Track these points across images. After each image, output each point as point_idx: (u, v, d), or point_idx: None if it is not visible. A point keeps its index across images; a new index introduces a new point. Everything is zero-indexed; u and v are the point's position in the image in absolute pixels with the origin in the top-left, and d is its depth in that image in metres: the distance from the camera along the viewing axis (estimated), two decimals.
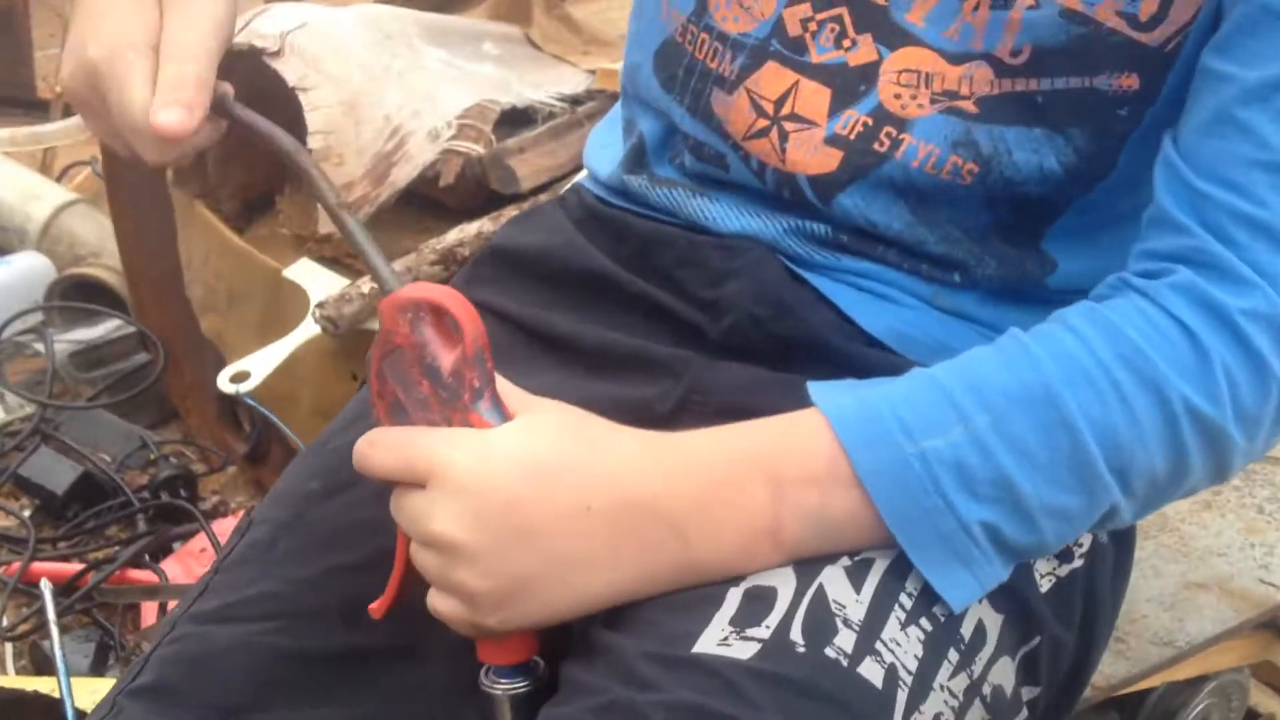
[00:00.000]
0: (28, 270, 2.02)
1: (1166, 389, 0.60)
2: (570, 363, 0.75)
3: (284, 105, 1.50)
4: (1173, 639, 1.00)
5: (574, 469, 0.60)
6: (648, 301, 0.75)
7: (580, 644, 0.64)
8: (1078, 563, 0.72)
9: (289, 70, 1.43)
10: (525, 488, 0.59)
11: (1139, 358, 0.60)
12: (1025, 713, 0.69)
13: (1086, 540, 0.73)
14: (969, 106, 0.67)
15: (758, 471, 0.61)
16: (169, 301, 1.75)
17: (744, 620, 0.60)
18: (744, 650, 0.58)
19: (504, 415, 0.61)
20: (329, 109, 1.43)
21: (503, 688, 0.64)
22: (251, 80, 1.54)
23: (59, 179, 2.36)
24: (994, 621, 0.66)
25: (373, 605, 0.66)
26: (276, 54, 1.44)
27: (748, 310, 0.72)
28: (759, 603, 0.60)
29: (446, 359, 0.60)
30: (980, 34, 0.66)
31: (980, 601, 0.64)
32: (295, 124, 1.44)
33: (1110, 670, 0.96)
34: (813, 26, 0.70)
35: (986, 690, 0.65)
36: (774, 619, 0.60)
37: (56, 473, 1.63)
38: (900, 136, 0.68)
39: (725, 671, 0.57)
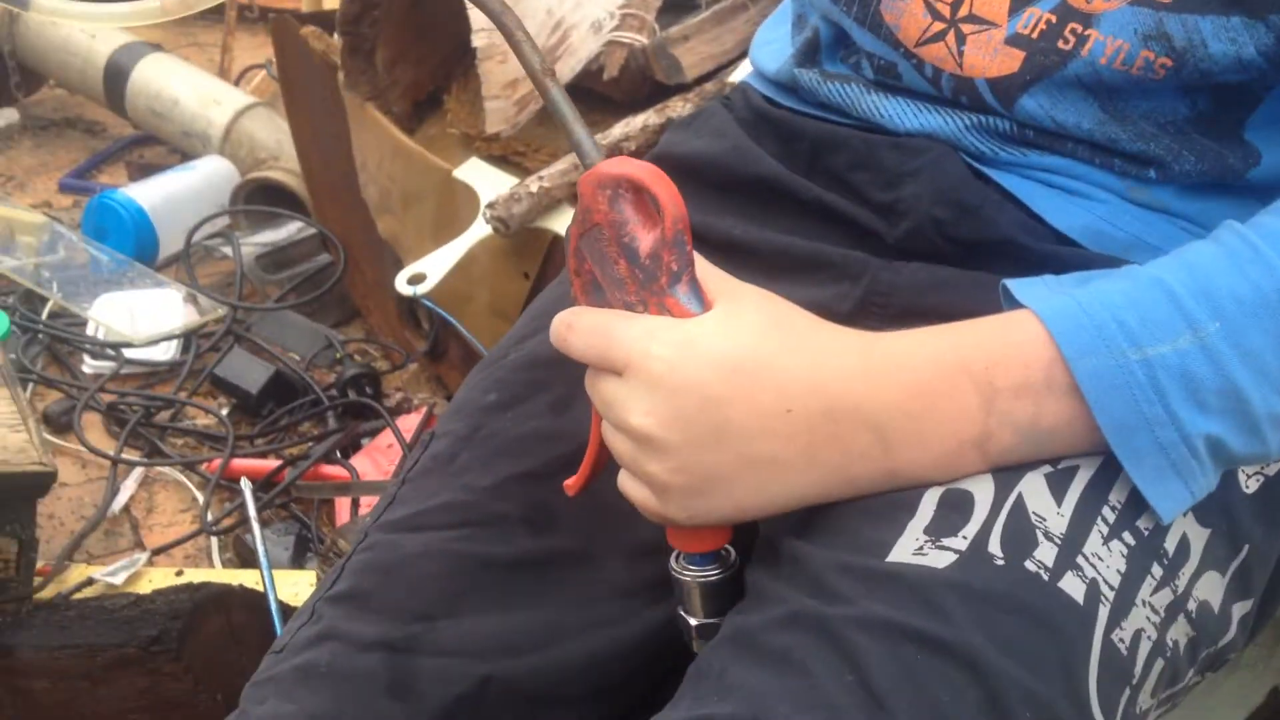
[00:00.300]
0: (212, 174, 2.08)
1: None
2: (745, 268, 0.73)
3: (449, 4, 1.50)
4: None
5: (775, 369, 0.58)
6: (821, 206, 0.73)
7: (767, 550, 0.64)
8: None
9: None
10: (724, 386, 0.57)
11: None
12: (1234, 630, 0.66)
13: None
14: None
15: (967, 378, 0.58)
16: (346, 204, 1.78)
17: (940, 529, 0.58)
18: (939, 560, 0.57)
19: (703, 302, 0.59)
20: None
21: (692, 574, 0.64)
22: None
23: (236, 82, 2.42)
24: (1199, 535, 0.63)
25: (567, 483, 0.67)
26: None
27: (927, 212, 0.69)
28: (955, 511, 0.59)
29: (645, 239, 0.59)
30: None
31: (1185, 514, 0.61)
32: (461, 23, 1.44)
33: None
34: None
35: (1191, 606, 0.63)
36: (971, 529, 0.58)
37: (250, 372, 1.70)
38: (1086, 33, 0.64)
39: (920, 583, 0.56)
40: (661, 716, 0.58)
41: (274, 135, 2.10)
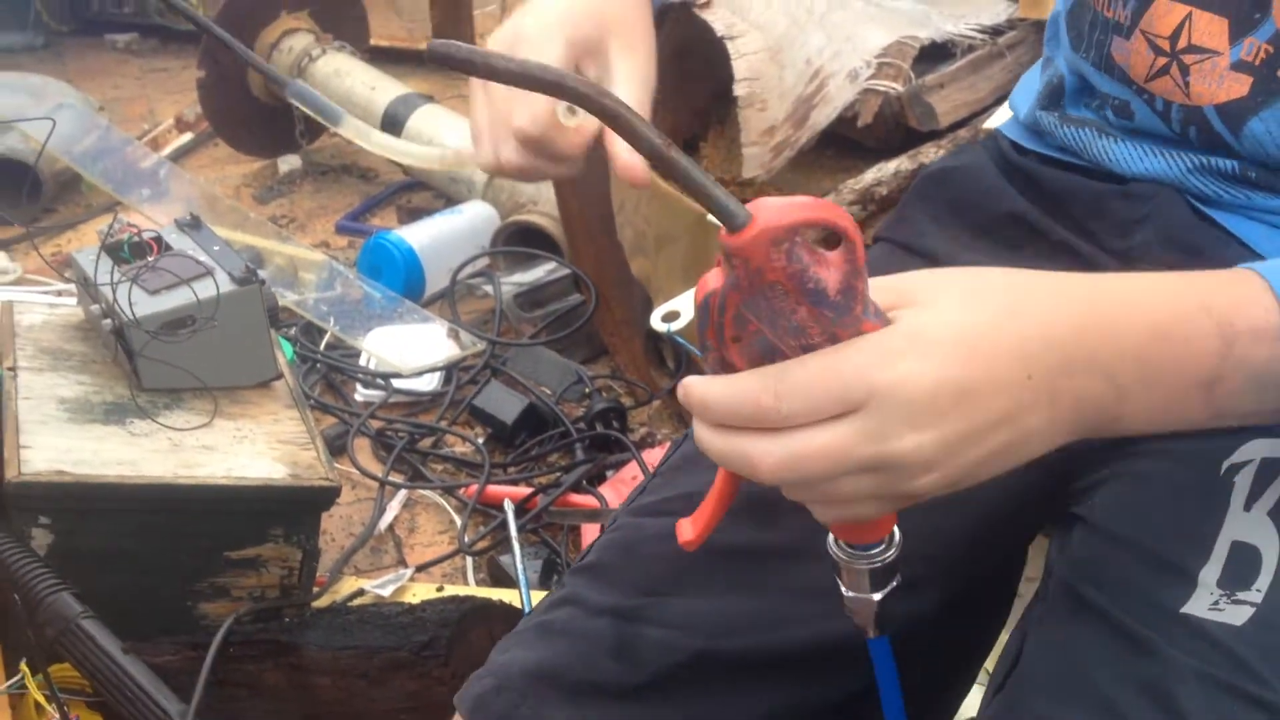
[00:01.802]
0: (475, 218, 2.21)
1: None
2: None
3: (707, 53, 1.56)
4: None
5: (1006, 334, 0.55)
6: (1068, 248, 0.75)
7: (1064, 596, 0.65)
8: None
9: (717, 20, 1.48)
10: (967, 370, 0.54)
11: None
12: None
13: None
14: None
15: (1208, 317, 0.56)
16: (601, 245, 1.86)
17: (1232, 582, 0.60)
18: (1237, 616, 0.59)
19: (881, 313, 0.55)
20: (754, 55, 1.47)
21: (866, 560, 0.61)
22: (678, 31, 1.61)
23: None
24: None
25: (685, 539, 0.63)
26: (705, 5, 1.50)
27: (1158, 256, 0.71)
28: (1245, 563, 0.60)
29: (830, 276, 0.53)
30: None
31: None
32: (720, 71, 1.50)
33: None
34: None
35: None
36: (1264, 581, 0.60)
37: (506, 404, 1.80)
38: None
39: (1223, 640, 0.58)
40: None
41: (535, 182, 2.21)
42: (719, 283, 0.55)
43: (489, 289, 2.05)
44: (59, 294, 2.04)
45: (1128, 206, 0.74)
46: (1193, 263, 0.68)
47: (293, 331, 1.98)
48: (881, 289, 0.56)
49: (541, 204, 2.14)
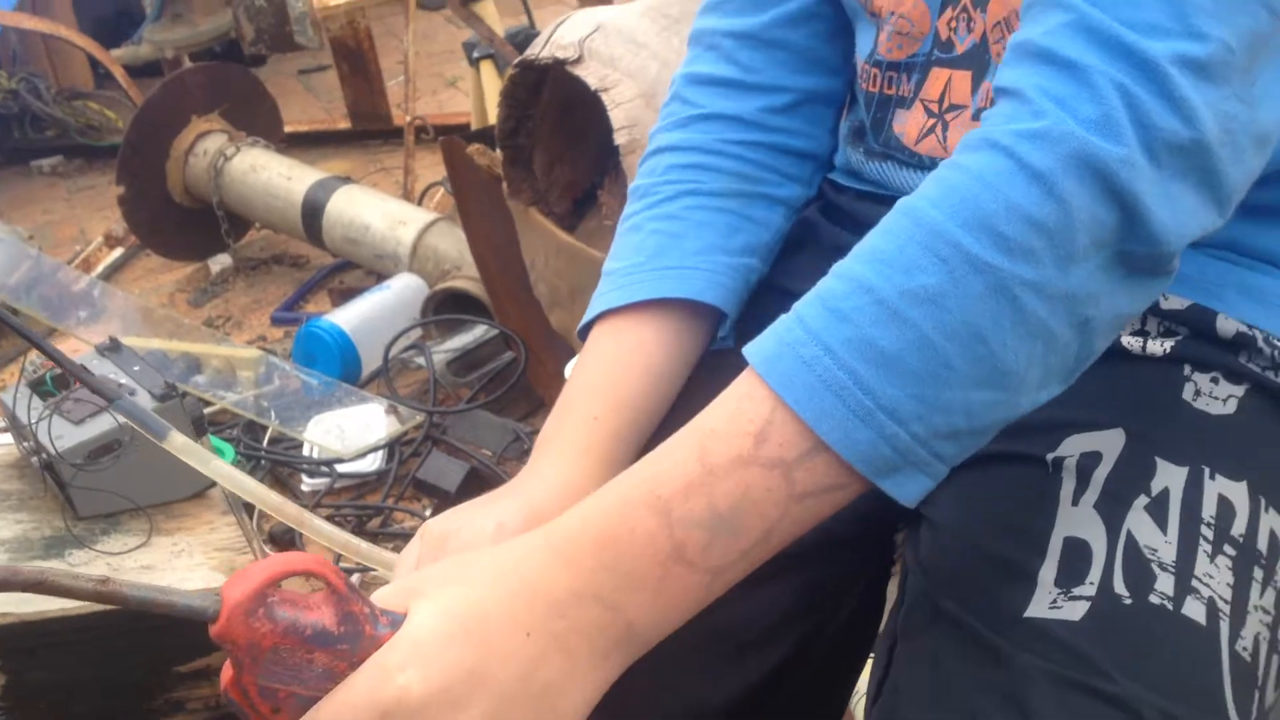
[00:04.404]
0: (404, 290, 2.24)
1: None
2: None
3: (589, 106, 1.58)
4: None
5: (491, 607, 0.57)
6: None
7: (919, 608, 0.68)
8: None
9: (589, 75, 1.51)
10: (471, 653, 0.56)
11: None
12: None
13: None
14: None
15: (638, 506, 0.58)
16: (523, 302, 1.89)
17: (1068, 579, 0.63)
18: (1074, 611, 0.62)
19: (394, 614, 0.57)
20: (630, 103, 1.49)
21: None
22: (560, 88, 1.64)
23: (420, 201, 2.58)
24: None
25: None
26: (577, 61, 1.52)
27: None
28: (1077, 558, 0.63)
29: (324, 612, 0.55)
30: None
31: (1266, 510, 0.66)
32: (605, 122, 1.52)
33: None
34: (955, 23, 0.75)
35: None
36: (1095, 574, 0.63)
37: (448, 473, 1.81)
38: None
39: (1064, 637, 0.61)
40: None
41: (456, 246, 2.23)
42: (228, 674, 0.55)
43: (422, 361, 2.07)
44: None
45: None
46: None
47: (235, 432, 2.00)
48: (397, 592, 0.58)
49: (465, 268, 2.17)
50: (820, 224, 0.86)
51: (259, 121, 2.70)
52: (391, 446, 1.92)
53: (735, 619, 0.67)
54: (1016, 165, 0.56)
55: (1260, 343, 0.71)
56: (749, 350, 0.60)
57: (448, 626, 0.55)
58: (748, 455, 0.57)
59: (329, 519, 1.81)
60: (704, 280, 0.81)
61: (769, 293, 0.85)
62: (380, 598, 0.58)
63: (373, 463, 1.90)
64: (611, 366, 0.81)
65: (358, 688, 0.55)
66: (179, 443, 0.99)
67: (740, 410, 0.58)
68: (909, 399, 0.56)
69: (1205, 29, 0.55)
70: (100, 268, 2.70)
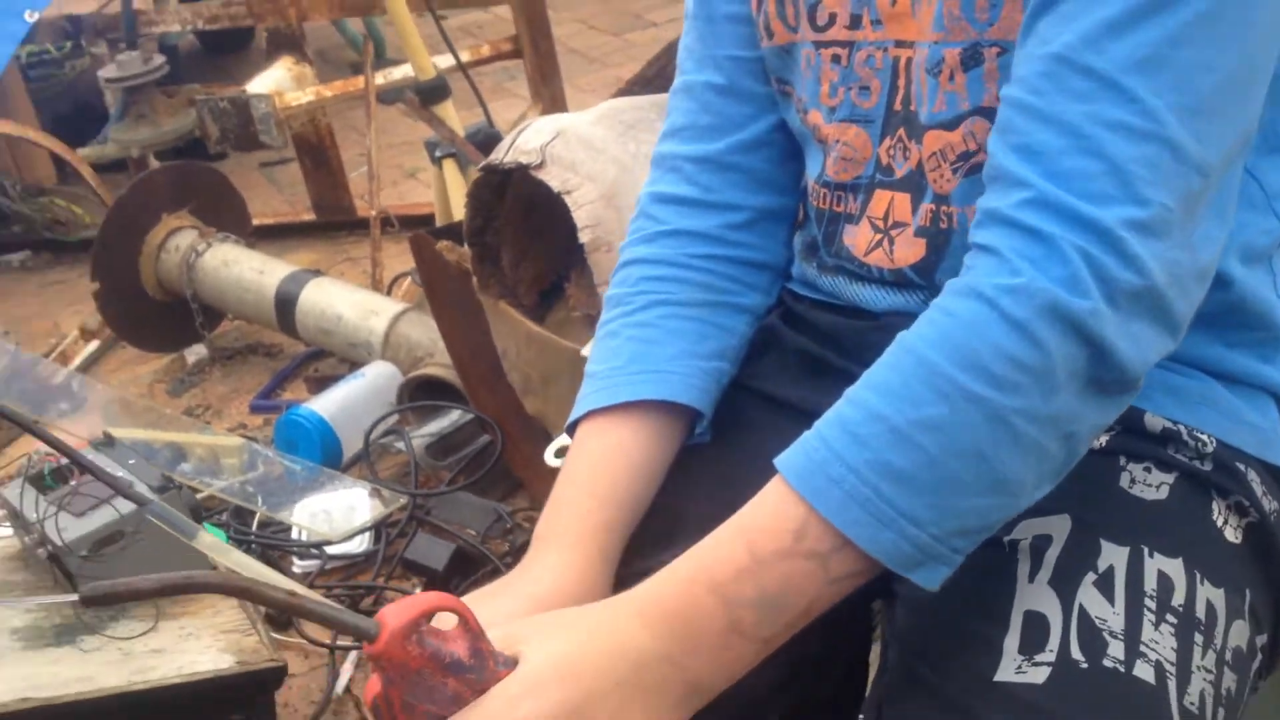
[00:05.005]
0: (378, 377, 2.34)
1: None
2: (799, 423, 0.92)
3: (554, 205, 1.71)
4: None
5: (590, 656, 0.70)
6: (849, 374, 0.90)
7: (901, 672, 0.79)
8: (1256, 516, 0.81)
9: (552, 179, 1.64)
10: (572, 693, 0.68)
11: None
12: (1260, 657, 0.80)
13: (1266, 500, 0.82)
14: (982, 158, 0.79)
15: (699, 587, 0.72)
16: (496, 389, 2.00)
17: (1029, 647, 0.73)
18: (1038, 675, 0.72)
19: (509, 658, 0.69)
20: (591, 204, 1.62)
21: None
22: (525, 190, 1.77)
23: (388, 290, 2.69)
24: (1216, 595, 0.77)
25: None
26: (540, 166, 1.65)
27: None
28: (1035, 628, 0.74)
29: (459, 646, 0.67)
30: (964, 95, 0.79)
31: (1201, 583, 0.76)
32: (568, 217, 1.65)
33: None
34: (893, 151, 0.86)
35: (1229, 656, 0.76)
36: (1054, 642, 0.73)
37: (434, 552, 1.91)
38: (949, 210, 0.83)
39: (1030, 700, 0.71)
40: None
41: (427, 334, 2.34)
42: (377, 687, 0.67)
43: (401, 445, 2.17)
44: None
45: (883, 337, 0.88)
46: None
47: (224, 517, 2.08)
48: (504, 637, 0.70)
49: (438, 355, 2.27)
50: (781, 330, 0.98)
51: (227, 216, 2.80)
52: (378, 528, 2.01)
53: (728, 692, 0.74)
54: (999, 315, 0.69)
55: (1185, 436, 0.81)
56: (781, 464, 0.73)
57: (557, 670, 0.69)
58: (789, 549, 0.71)
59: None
60: (680, 383, 0.92)
61: (739, 392, 0.97)
62: (493, 637, 0.69)
63: (360, 544, 2.00)
64: (597, 464, 0.91)
65: (488, 710, 0.67)
66: (208, 541, 1.10)
67: (780, 511, 0.71)
68: (925, 507, 0.69)
69: (1147, 195, 0.68)
70: (77, 360, 2.78)
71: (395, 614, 0.66)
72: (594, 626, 0.72)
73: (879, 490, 0.69)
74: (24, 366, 2.63)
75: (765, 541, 0.71)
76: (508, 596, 0.84)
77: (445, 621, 0.68)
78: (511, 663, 0.69)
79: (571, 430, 0.95)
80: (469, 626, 0.68)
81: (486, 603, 0.84)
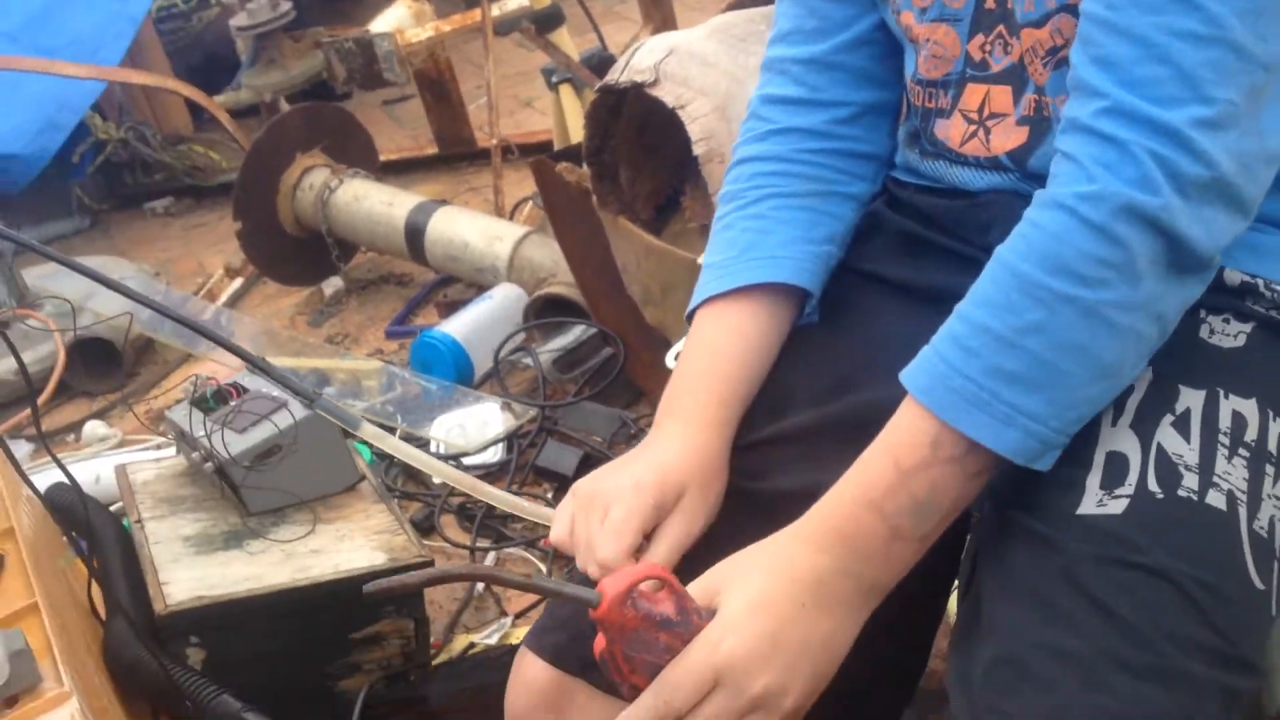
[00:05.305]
0: (505, 299, 2.44)
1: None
2: (908, 300, 0.98)
3: (668, 121, 1.77)
4: None
5: (779, 588, 0.80)
6: (949, 250, 0.95)
7: (994, 520, 0.86)
8: None
9: (666, 95, 1.69)
10: (768, 624, 0.79)
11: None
12: None
13: None
14: (1067, 52, 0.83)
15: (859, 506, 0.80)
16: (618, 302, 2.08)
17: (1110, 483, 0.79)
18: (1118, 507, 0.78)
19: (709, 611, 0.79)
20: (705, 118, 1.67)
21: None
22: (639, 107, 1.83)
23: (510, 216, 2.78)
24: None
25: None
26: (654, 84, 1.71)
27: None
28: (1117, 467, 0.80)
29: (668, 605, 0.78)
30: None
31: (1274, 420, 0.81)
32: (681, 132, 1.71)
33: None
34: (988, 48, 0.90)
35: None
36: (1133, 477, 0.79)
37: (564, 458, 2.01)
38: (1046, 99, 0.87)
39: (1111, 527, 0.77)
40: (956, 649, 0.81)
41: (550, 256, 2.43)
42: (603, 644, 0.79)
43: (529, 361, 2.27)
44: (158, 448, 2.29)
45: (980, 214, 0.94)
46: None
47: None
48: (699, 590, 0.81)
49: (560, 275, 2.36)
50: (885, 214, 1.03)
51: (355, 153, 2.92)
52: (510, 439, 2.12)
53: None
54: (1079, 221, 0.76)
55: (1262, 288, 0.86)
56: (908, 383, 0.81)
57: (749, 609, 0.79)
58: (929, 459, 0.79)
59: (461, 507, 2.02)
60: (791, 266, 0.99)
61: (845, 274, 1.03)
62: (692, 591, 0.81)
63: (494, 455, 2.10)
64: (715, 345, 0.98)
65: (695, 654, 0.78)
66: (371, 431, 1.20)
67: (915, 427, 0.80)
68: (1042, 403, 0.77)
69: (1213, 94, 0.74)
70: (224, 297, 2.94)
71: (613, 584, 0.77)
72: (775, 563, 0.81)
73: (997, 394, 0.77)
74: (175, 303, 2.80)
75: (907, 455, 0.79)
76: (639, 463, 0.92)
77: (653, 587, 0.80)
78: (711, 614, 0.79)
79: (690, 319, 1.01)
80: (674, 589, 0.79)
81: (621, 470, 0.92)
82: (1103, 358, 0.77)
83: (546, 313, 2.34)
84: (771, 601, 0.79)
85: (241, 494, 1.64)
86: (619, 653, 0.79)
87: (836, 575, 0.80)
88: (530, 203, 2.77)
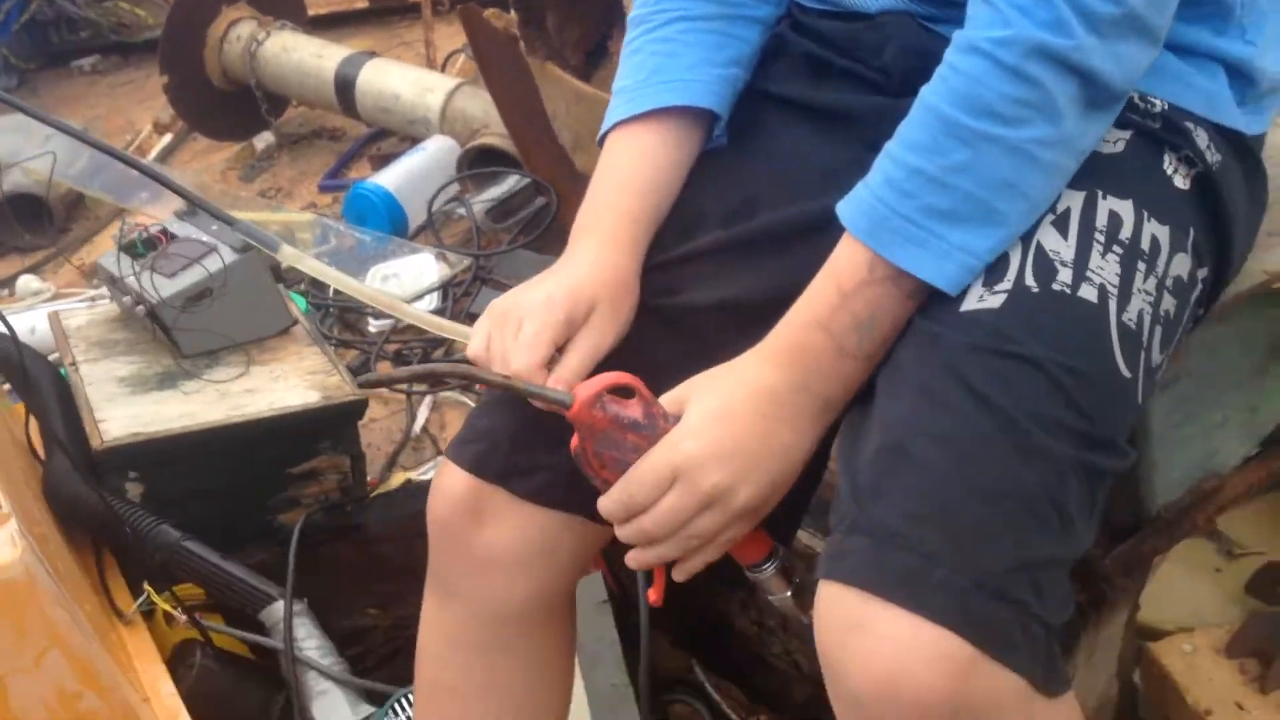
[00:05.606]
0: (438, 151, 2.44)
1: None
2: (805, 119, 1.00)
3: None
4: None
5: (740, 398, 0.84)
6: (847, 71, 0.98)
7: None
8: (1202, 167, 0.90)
9: None
10: (728, 429, 0.82)
11: None
12: (1200, 287, 0.90)
13: (1209, 153, 0.91)
14: None
15: (808, 328, 0.84)
16: (549, 151, 2.09)
17: (991, 280, 0.83)
18: (996, 301, 0.82)
19: (675, 417, 0.84)
20: None
21: (766, 573, 0.91)
22: None
23: (442, 68, 2.76)
24: (1161, 230, 0.87)
25: (651, 596, 0.90)
26: None
27: (902, 65, 0.94)
28: (998, 264, 0.84)
29: (635, 410, 0.83)
30: None
31: (1148, 220, 0.85)
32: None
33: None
34: None
35: (1169, 282, 0.86)
36: (1012, 272, 0.83)
37: None
38: None
39: (989, 320, 0.81)
40: (846, 445, 0.85)
41: (481, 107, 2.42)
42: (575, 441, 0.84)
43: (463, 211, 2.28)
44: (92, 300, 2.29)
45: (876, 35, 0.96)
46: (926, 64, 0.92)
47: (303, 286, 2.22)
48: (669, 400, 0.85)
49: (493, 126, 2.36)
50: (790, 37, 1.05)
51: (282, 5, 2.87)
52: (445, 288, 2.14)
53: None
54: (995, 64, 0.79)
55: (1137, 100, 0.90)
56: (846, 221, 0.84)
57: (711, 416, 0.83)
58: (866, 279, 0.83)
59: (398, 353, 2.06)
60: (699, 89, 1.01)
61: (751, 96, 1.05)
62: (663, 401, 0.85)
63: (430, 303, 2.13)
64: (625, 167, 1.00)
65: (658, 453, 0.83)
66: (289, 253, 1.22)
67: (853, 257, 0.83)
68: (977, 238, 0.81)
69: None
70: (154, 153, 2.91)
71: (584, 388, 0.83)
72: (737, 378, 0.84)
73: (932, 230, 0.81)
74: (105, 159, 2.77)
75: (847, 279, 0.84)
76: (551, 281, 0.95)
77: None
78: (677, 419, 0.83)
79: (601, 144, 1.03)
80: (644, 397, 0.84)
81: (534, 287, 0.95)
82: (1029, 193, 0.81)
83: (479, 163, 2.34)
84: (730, 410, 0.83)
85: (174, 336, 1.65)
86: (589, 449, 0.84)
87: (792, 390, 0.84)
88: (462, 55, 2.75)
